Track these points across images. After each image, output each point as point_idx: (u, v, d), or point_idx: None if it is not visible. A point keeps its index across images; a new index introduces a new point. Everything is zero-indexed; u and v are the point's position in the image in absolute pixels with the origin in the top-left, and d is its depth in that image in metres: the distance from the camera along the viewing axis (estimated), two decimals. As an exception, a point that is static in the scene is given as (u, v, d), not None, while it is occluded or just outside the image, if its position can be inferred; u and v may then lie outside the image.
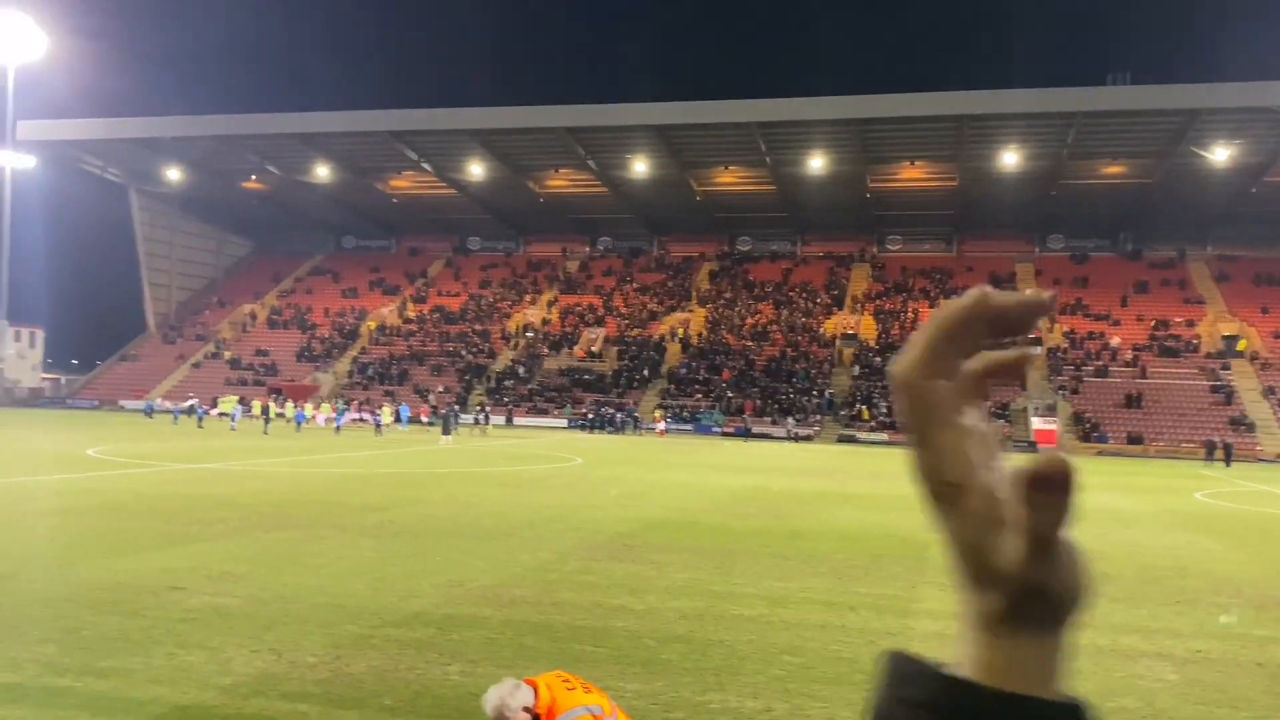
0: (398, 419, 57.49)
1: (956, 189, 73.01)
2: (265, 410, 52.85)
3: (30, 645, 8.89)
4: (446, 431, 46.97)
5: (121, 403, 74.49)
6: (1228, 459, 48.87)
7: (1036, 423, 60.01)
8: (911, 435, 0.65)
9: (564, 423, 65.64)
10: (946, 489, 0.63)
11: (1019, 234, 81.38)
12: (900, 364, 0.65)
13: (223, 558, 13.53)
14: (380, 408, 57.33)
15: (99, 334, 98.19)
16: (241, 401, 59.04)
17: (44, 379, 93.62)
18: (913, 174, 72.06)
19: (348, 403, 63.05)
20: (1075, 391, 63.50)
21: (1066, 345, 68.64)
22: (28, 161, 74.35)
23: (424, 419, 61.74)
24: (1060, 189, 71.16)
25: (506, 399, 68.72)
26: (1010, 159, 65.62)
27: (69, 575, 12.01)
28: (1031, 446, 57.76)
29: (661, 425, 61.33)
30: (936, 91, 61.73)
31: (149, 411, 63.12)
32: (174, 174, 78.75)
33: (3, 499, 19.57)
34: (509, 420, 65.05)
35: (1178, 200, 71.50)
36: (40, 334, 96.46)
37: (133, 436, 42.42)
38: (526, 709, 4.65)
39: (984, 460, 0.63)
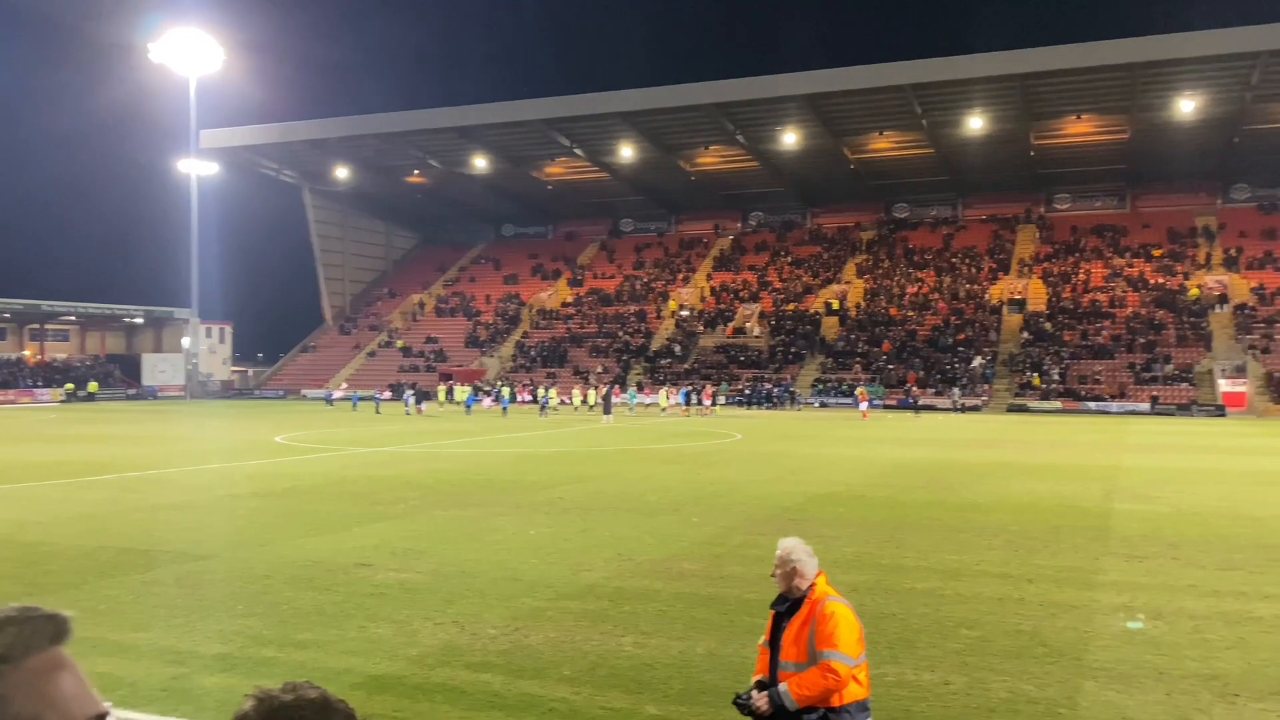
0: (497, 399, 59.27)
1: (1128, 141, 68.98)
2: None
3: (237, 619, 9.57)
4: (607, 411, 47.95)
5: (304, 392, 78.76)
6: None
7: (1224, 385, 56.33)
8: None
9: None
10: None
11: (1199, 185, 76.23)
12: None
13: (406, 535, 14.21)
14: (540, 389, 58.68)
15: (281, 327, 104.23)
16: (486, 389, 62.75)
17: (233, 372, 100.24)
18: (1080, 128, 68.44)
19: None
20: (1266, 350, 59.20)
21: (1255, 301, 64.04)
22: (210, 168, 79.30)
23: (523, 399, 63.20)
24: (1244, 135, 66.20)
25: (663, 377, 69.20)
26: (1187, 106, 61.42)
27: (267, 555, 12.86)
28: (1219, 410, 54.31)
29: (864, 405, 54.04)
30: (1104, 40, 58.29)
31: (329, 399, 66.35)
32: (343, 172, 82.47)
33: (203, 484, 21.06)
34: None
35: (1382, 139, 65.54)
36: (229, 330, 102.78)
37: (316, 423, 44.79)
38: (804, 577, 5.21)
39: None
